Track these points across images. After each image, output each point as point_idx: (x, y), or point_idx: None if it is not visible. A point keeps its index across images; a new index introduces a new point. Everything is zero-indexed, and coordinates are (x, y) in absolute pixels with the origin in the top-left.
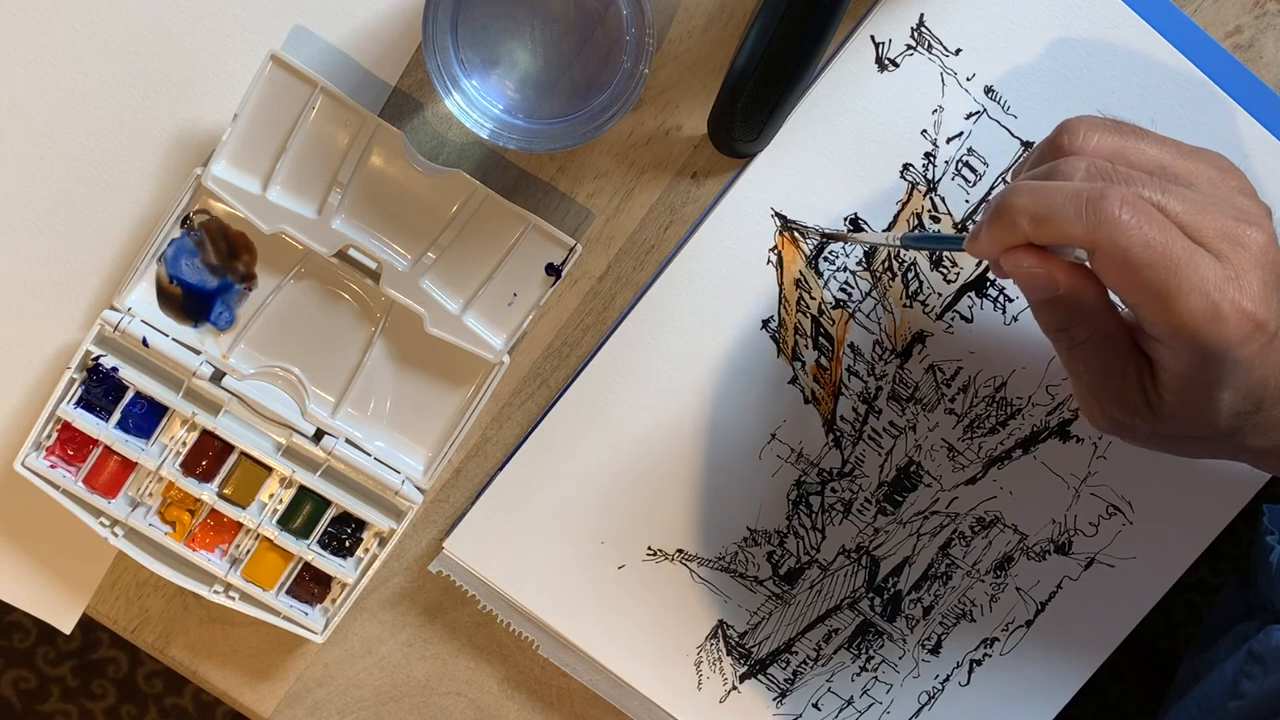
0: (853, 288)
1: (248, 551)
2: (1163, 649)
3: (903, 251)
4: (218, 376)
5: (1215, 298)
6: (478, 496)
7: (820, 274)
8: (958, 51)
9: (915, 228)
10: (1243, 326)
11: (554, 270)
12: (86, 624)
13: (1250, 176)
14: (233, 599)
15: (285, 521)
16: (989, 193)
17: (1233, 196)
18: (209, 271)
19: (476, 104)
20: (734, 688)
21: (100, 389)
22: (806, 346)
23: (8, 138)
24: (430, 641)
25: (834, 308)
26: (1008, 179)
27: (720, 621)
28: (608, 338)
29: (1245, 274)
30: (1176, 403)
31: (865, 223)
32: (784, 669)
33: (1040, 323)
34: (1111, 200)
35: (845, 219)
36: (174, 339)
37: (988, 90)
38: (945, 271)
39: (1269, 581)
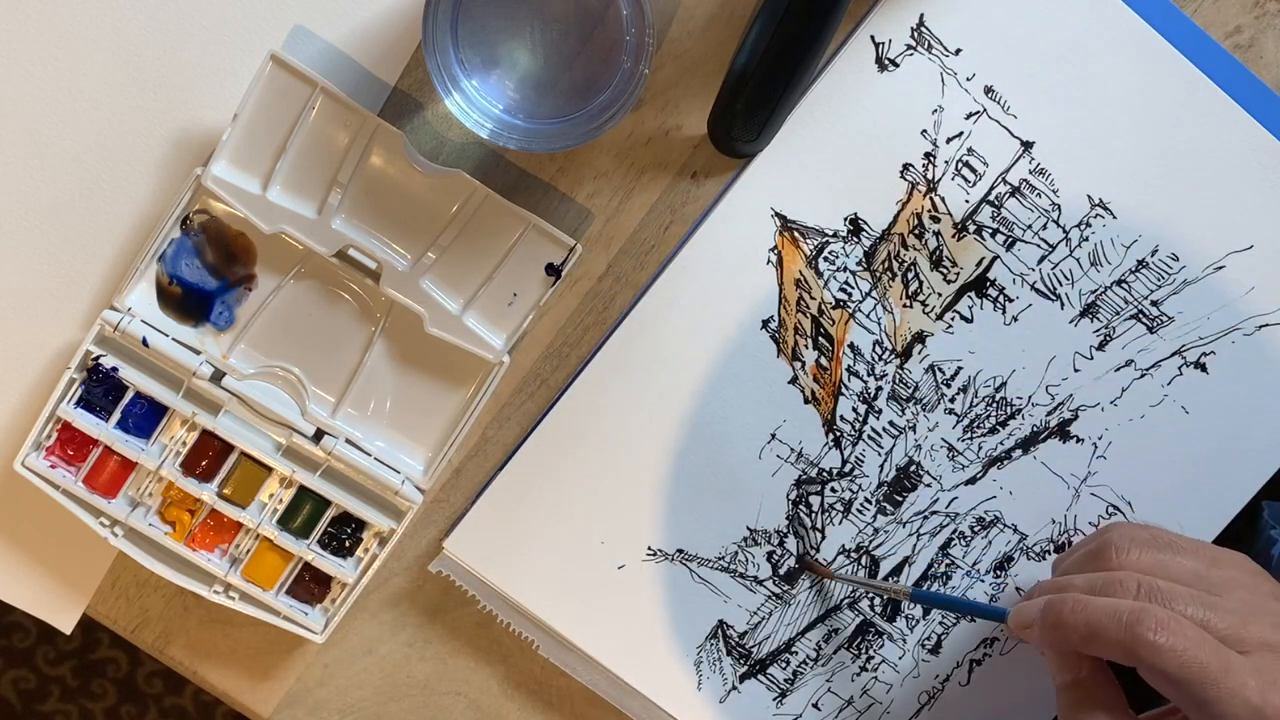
0: (853, 288)
1: (248, 551)
2: None
3: (903, 251)
4: (218, 376)
5: (1256, 703)
6: (478, 496)
7: (820, 274)
8: (958, 51)
9: (914, 227)
10: None
11: (554, 270)
12: (86, 624)
13: (1250, 177)
14: (233, 599)
15: (285, 521)
16: (989, 193)
17: (1267, 602)
18: (209, 271)
19: (476, 104)
20: (734, 688)
21: (100, 389)
22: (806, 346)
23: (8, 138)
24: (430, 641)
25: (834, 308)
26: (1057, 555)
27: (720, 621)
28: (608, 338)
29: None
30: None
31: (865, 222)
32: (784, 669)
33: (1060, 707)
34: (1146, 623)
35: (845, 219)
36: (174, 339)
37: (988, 90)
38: (945, 271)
39: (1272, 573)
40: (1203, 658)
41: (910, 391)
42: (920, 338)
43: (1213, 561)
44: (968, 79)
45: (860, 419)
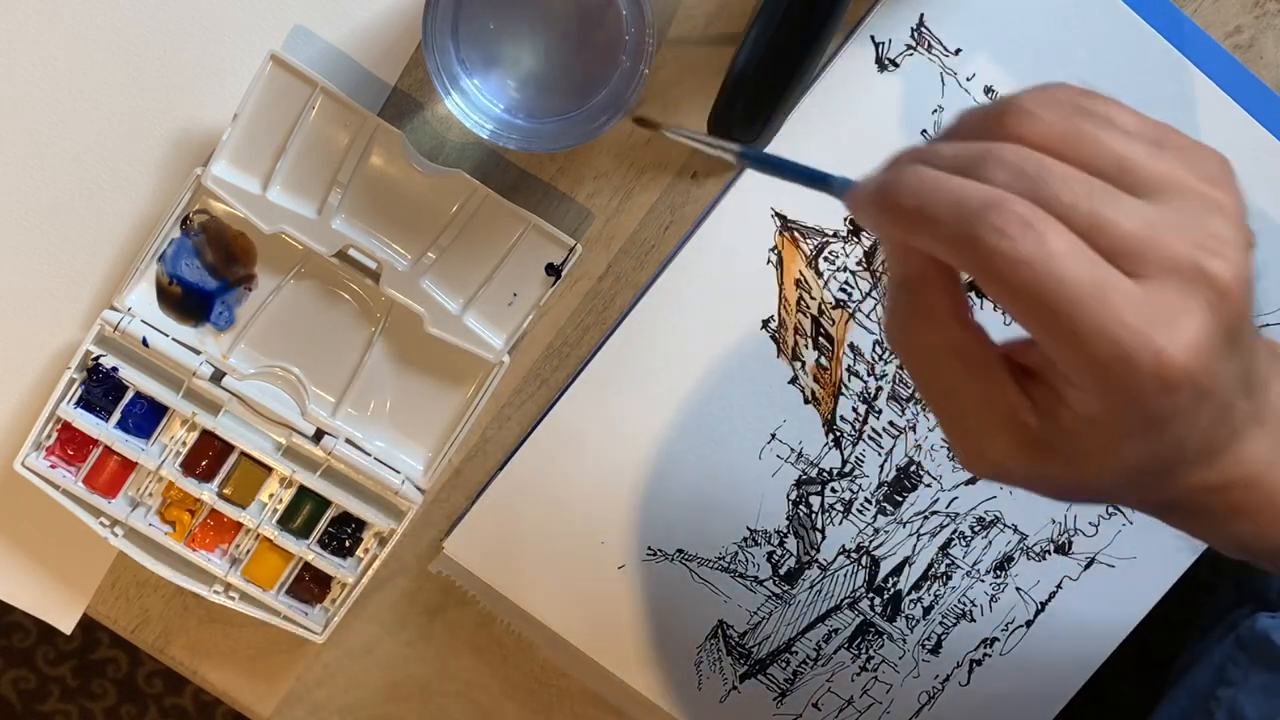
0: (853, 288)
1: (248, 551)
2: (1163, 649)
3: None
4: (218, 376)
5: (1131, 342)
6: (478, 496)
7: (820, 274)
8: (958, 51)
9: None
10: (1166, 378)
11: (554, 270)
12: (86, 624)
13: (1250, 177)
14: (233, 599)
15: (285, 521)
16: None
17: (1206, 217)
18: (209, 271)
19: (476, 104)
20: (734, 688)
21: (100, 389)
22: (806, 346)
23: (8, 138)
24: (430, 641)
25: (834, 308)
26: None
27: (720, 621)
28: (608, 338)
29: (1185, 315)
30: (1070, 447)
31: None
32: (784, 669)
33: (889, 321)
34: (992, 218)
35: (845, 219)
36: (174, 339)
37: (988, 90)
38: None
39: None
40: (1067, 272)
41: (911, 391)
42: None
43: (1157, 147)
44: (968, 79)
45: (860, 419)
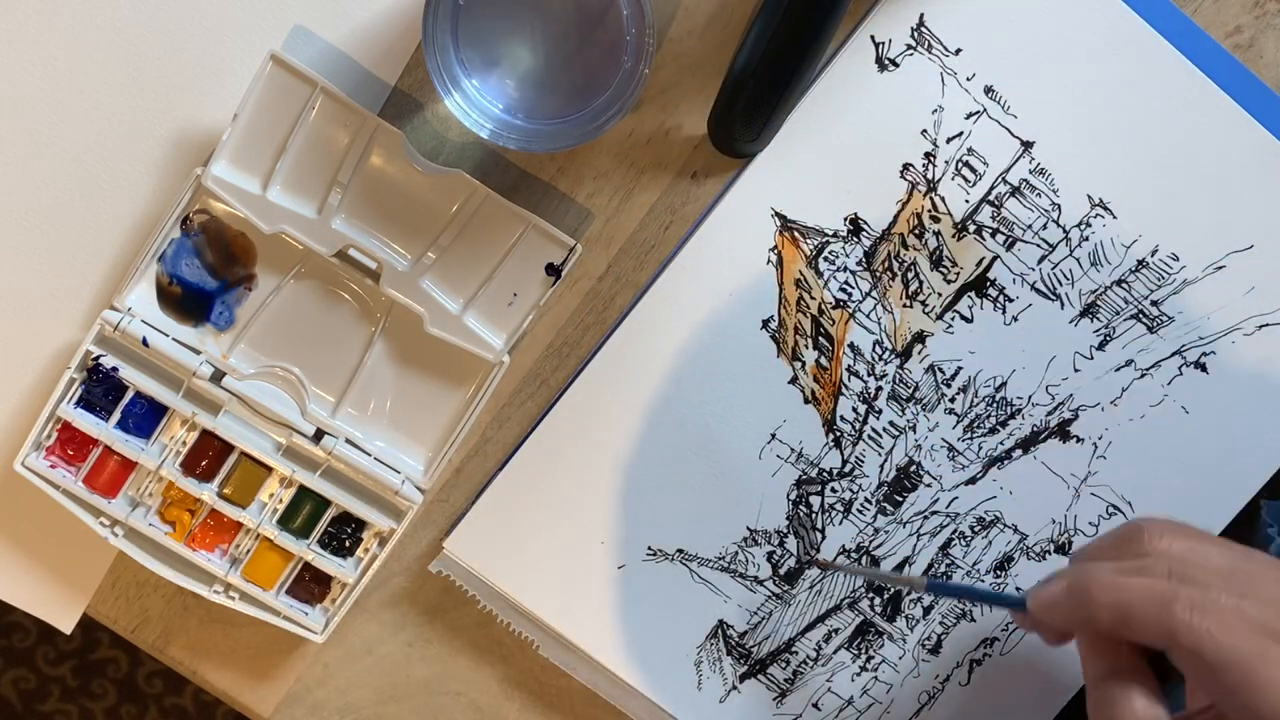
0: (853, 288)
1: (248, 551)
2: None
3: (903, 251)
4: (218, 376)
5: None
6: (478, 496)
7: (820, 274)
8: (958, 51)
9: (914, 227)
10: None
11: (554, 270)
12: (86, 624)
13: (1250, 177)
14: (233, 599)
15: (285, 521)
16: (989, 193)
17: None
18: (209, 272)
19: (476, 104)
20: (734, 688)
21: (100, 389)
22: (806, 346)
23: (8, 138)
24: (430, 641)
25: (834, 308)
26: (1071, 553)
27: (720, 621)
28: (608, 338)
29: None
30: None
31: (865, 222)
32: (784, 669)
33: (1107, 711)
34: (1181, 603)
35: (845, 219)
36: (174, 339)
37: (988, 90)
38: (945, 271)
39: None
40: (1240, 644)
41: (910, 391)
42: (920, 338)
43: (1246, 555)
44: (968, 79)
45: (860, 419)
